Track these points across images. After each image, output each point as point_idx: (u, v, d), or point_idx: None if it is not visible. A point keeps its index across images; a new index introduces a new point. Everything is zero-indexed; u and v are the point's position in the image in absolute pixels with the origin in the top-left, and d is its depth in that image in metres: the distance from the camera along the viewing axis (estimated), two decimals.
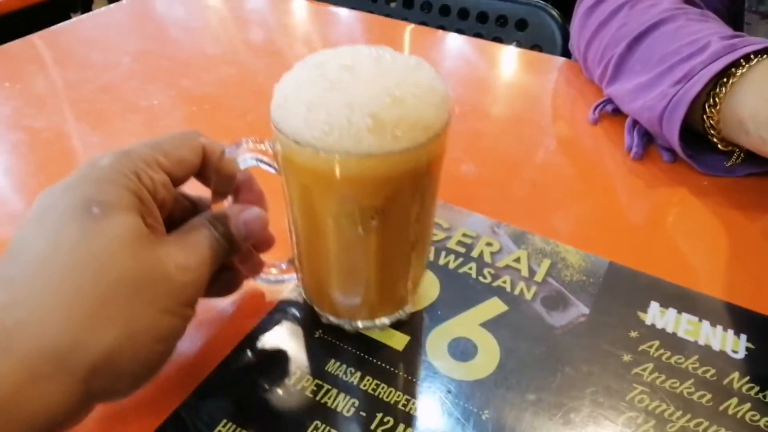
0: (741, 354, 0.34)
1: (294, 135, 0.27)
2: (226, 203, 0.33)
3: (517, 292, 0.38)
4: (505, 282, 0.38)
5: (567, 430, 0.30)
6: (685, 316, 0.36)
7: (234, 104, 0.60)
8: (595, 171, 0.53)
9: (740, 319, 0.36)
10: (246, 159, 0.31)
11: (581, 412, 0.31)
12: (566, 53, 0.69)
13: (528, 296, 0.37)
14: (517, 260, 0.40)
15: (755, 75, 0.45)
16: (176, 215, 0.32)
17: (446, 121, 0.28)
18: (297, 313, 0.37)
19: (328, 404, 0.31)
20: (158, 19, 0.81)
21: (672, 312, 0.37)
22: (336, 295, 0.34)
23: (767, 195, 0.48)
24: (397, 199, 0.29)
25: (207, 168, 0.32)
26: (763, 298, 0.38)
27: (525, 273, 0.39)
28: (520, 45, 0.84)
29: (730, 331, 0.35)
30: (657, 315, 0.36)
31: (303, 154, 0.27)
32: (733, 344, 0.35)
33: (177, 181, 0.31)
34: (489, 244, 0.41)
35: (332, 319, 0.35)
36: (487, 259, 0.40)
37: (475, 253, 0.40)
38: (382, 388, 0.32)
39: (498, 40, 0.84)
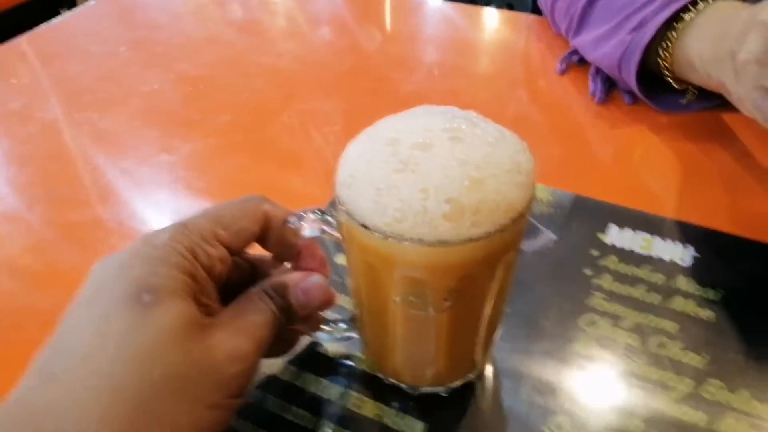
0: (688, 262, 0.39)
1: (362, 218, 0.25)
2: (287, 265, 0.32)
3: None
4: None
5: (536, 334, 0.36)
6: (639, 234, 0.42)
7: (228, 82, 0.64)
8: (563, 117, 0.57)
9: (688, 233, 0.42)
10: (309, 230, 0.29)
11: (549, 318, 0.36)
12: (536, 11, 0.73)
13: None
14: None
15: (701, 19, 0.49)
16: (234, 280, 0.30)
17: (530, 198, 0.26)
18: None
19: None
20: (146, 7, 0.85)
21: (628, 231, 0.42)
22: (399, 365, 0.32)
23: (718, 127, 0.52)
24: (474, 280, 0.27)
25: (268, 235, 0.30)
26: (710, 215, 0.43)
27: None
28: (494, 4, 0.87)
29: (679, 244, 0.41)
30: (615, 235, 0.42)
31: (371, 238, 0.25)
32: (681, 254, 0.40)
33: (236, 251, 0.29)
34: None
35: (394, 381, 0.34)
36: None
37: None
38: None
39: (473, 2, 0.88)
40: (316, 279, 0.30)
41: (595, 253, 0.40)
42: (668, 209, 0.44)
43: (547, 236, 0.42)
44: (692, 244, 0.41)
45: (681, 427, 0.31)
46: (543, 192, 0.46)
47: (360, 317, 0.32)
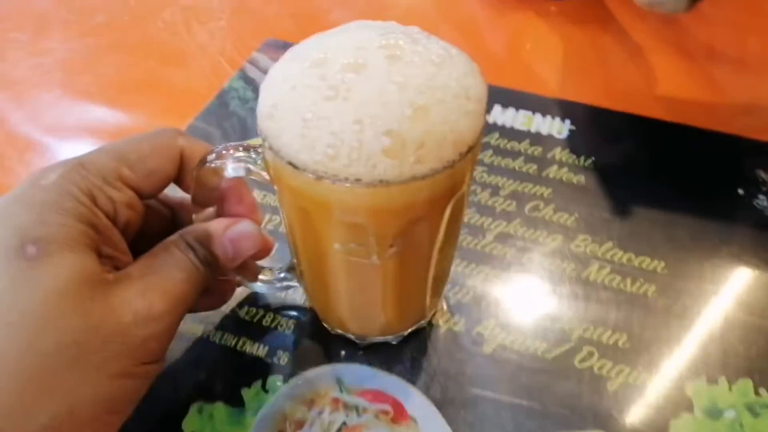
0: (564, 134, 0.42)
1: (289, 156, 0.21)
2: (210, 212, 0.27)
3: None
4: None
5: None
6: (521, 111, 0.43)
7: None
8: (452, 7, 0.57)
9: (565, 108, 0.43)
10: (232, 168, 0.25)
11: None
12: None
13: None
14: None
15: None
16: (152, 228, 0.26)
17: (482, 129, 0.22)
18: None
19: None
20: None
21: (511, 110, 0.43)
22: (345, 316, 0.30)
23: (601, 11, 0.54)
24: (421, 224, 0.23)
25: (184, 175, 0.26)
26: (585, 92, 0.45)
27: None
28: None
29: (557, 119, 0.42)
30: (498, 114, 0.43)
31: (301, 179, 0.21)
32: (558, 128, 0.42)
33: (147, 195, 0.25)
34: None
35: (341, 332, 0.31)
36: None
37: None
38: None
39: None
40: (244, 226, 0.26)
41: None
42: (551, 89, 0.46)
43: None
44: (569, 118, 0.43)
45: (552, 274, 0.34)
46: None
47: (299, 266, 0.29)
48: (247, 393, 0.29)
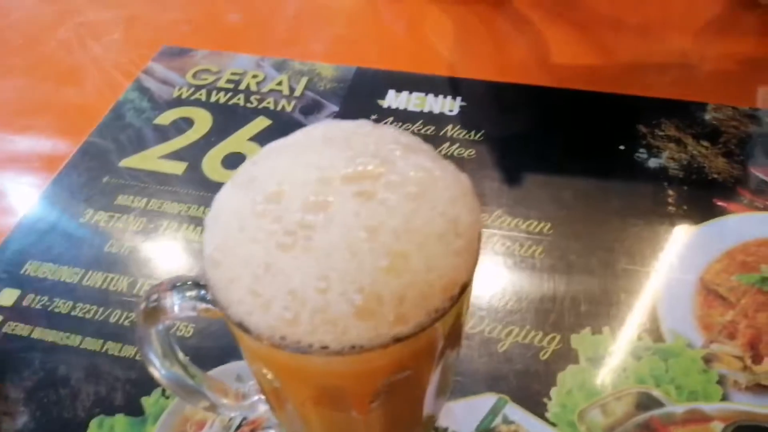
0: (456, 111, 0.43)
1: (239, 316, 0.17)
2: None
3: (279, 108, 0.44)
4: (269, 102, 0.44)
5: None
6: (414, 94, 0.44)
7: None
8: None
9: (456, 86, 0.44)
10: (179, 308, 0.20)
11: None
12: None
13: (288, 109, 0.43)
14: (280, 83, 0.45)
15: None
16: None
17: (475, 262, 0.18)
18: None
19: None
20: None
21: (404, 94, 0.44)
22: None
23: None
24: (408, 377, 0.20)
25: None
26: (476, 69, 0.46)
27: (286, 92, 0.45)
28: None
29: (449, 97, 0.43)
30: (393, 99, 0.43)
31: (257, 345, 0.18)
32: (450, 105, 0.43)
33: None
34: (255, 76, 0.46)
35: None
36: (253, 88, 0.45)
37: (242, 86, 0.45)
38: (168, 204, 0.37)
39: None
40: None
41: (373, 117, 0.42)
42: (442, 68, 0.47)
43: (330, 109, 0.43)
44: (460, 96, 0.44)
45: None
46: (328, 70, 0.46)
47: (270, 405, 0.25)
48: (147, 401, 0.29)
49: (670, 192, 0.36)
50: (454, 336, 0.21)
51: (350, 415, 0.21)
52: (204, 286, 0.20)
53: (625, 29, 0.50)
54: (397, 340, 0.17)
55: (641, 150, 0.39)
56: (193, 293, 0.20)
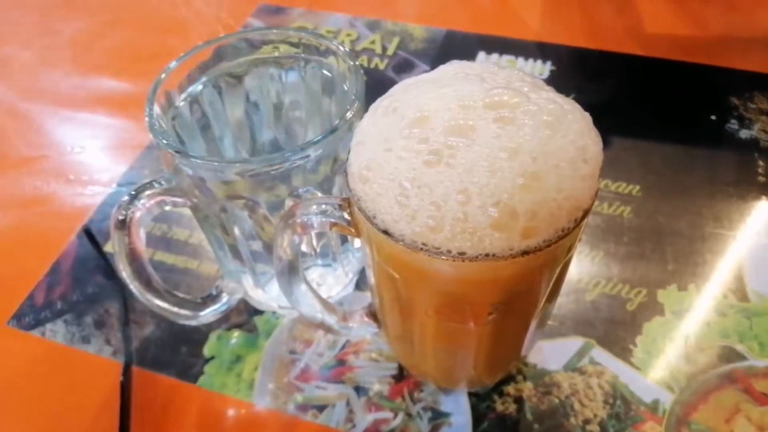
0: (546, 75, 0.44)
1: (385, 225, 0.19)
2: None
3: (373, 66, 0.45)
4: (363, 60, 0.46)
5: None
6: (505, 56, 0.45)
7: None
8: None
9: (546, 51, 0.46)
10: (318, 224, 0.22)
11: None
12: None
13: (381, 67, 0.45)
14: (373, 42, 0.47)
15: None
16: None
17: (596, 190, 0.20)
18: None
19: None
20: None
21: (494, 56, 0.45)
22: (432, 372, 0.28)
23: None
24: (526, 291, 0.22)
25: None
26: (565, 34, 0.47)
27: (379, 51, 0.47)
28: None
29: (539, 61, 0.45)
30: (483, 60, 0.45)
31: (397, 248, 0.19)
32: (540, 69, 0.44)
33: None
34: (348, 35, 0.48)
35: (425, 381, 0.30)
36: (348, 46, 0.47)
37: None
38: None
39: None
40: None
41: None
42: (531, 33, 0.48)
43: (422, 68, 0.45)
44: (550, 60, 0.45)
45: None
46: (419, 30, 0.48)
47: (383, 320, 0.27)
48: (259, 320, 0.32)
49: (761, 163, 0.37)
50: (567, 261, 0.22)
51: (467, 327, 0.22)
52: (338, 204, 0.22)
53: (716, 1, 0.49)
54: (525, 252, 0.18)
55: (732, 121, 0.39)
56: (328, 208, 0.22)
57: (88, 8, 0.54)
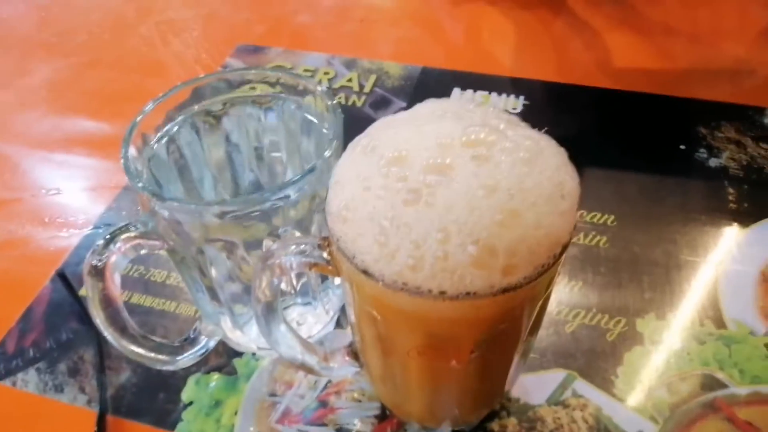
0: (519, 109, 0.45)
1: (365, 265, 0.19)
2: None
3: (350, 103, 0.46)
4: (341, 98, 0.46)
5: None
6: (479, 92, 0.46)
7: (80, 3, 0.62)
8: (410, 7, 0.60)
9: (519, 86, 0.47)
10: (296, 265, 0.23)
11: None
12: None
13: (359, 104, 0.46)
14: (350, 80, 0.48)
15: None
16: None
17: (574, 225, 0.20)
18: None
19: None
20: None
21: (469, 92, 0.46)
22: (415, 412, 0.28)
23: None
24: (507, 328, 0.22)
25: None
26: (538, 69, 0.48)
27: (356, 88, 0.47)
28: None
29: (512, 96, 0.46)
30: (457, 96, 0.46)
31: (377, 288, 0.19)
32: (513, 104, 0.45)
33: None
34: (326, 73, 0.49)
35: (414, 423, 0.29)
36: (326, 84, 0.48)
37: None
38: None
39: None
40: None
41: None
42: (504, 69, 0.49)
43: (398, 105, 0.46)
44: (523, 94, 0.46)
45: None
46: (395, 69, 0.49)
47: (364, 359, 0.27)
48: (239, 362, 0.31)
49: (731, 190, 0.38)
50: (548, 296, 0.22)
51: (449, 366, 0.22)
52: (317, 244, 0.22)
53: (683, 35, 0.51)
54: (506, 290, 0.18)
55: (701, 150, 0.40)
56: (306, 248, 0.22)
57: (65, 49, 0.54)
